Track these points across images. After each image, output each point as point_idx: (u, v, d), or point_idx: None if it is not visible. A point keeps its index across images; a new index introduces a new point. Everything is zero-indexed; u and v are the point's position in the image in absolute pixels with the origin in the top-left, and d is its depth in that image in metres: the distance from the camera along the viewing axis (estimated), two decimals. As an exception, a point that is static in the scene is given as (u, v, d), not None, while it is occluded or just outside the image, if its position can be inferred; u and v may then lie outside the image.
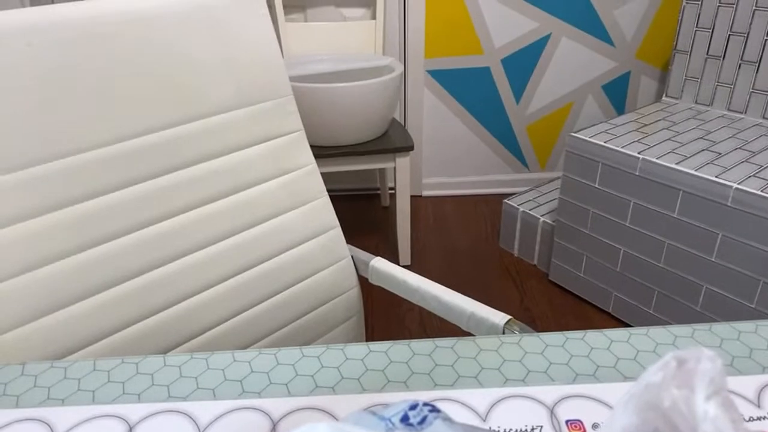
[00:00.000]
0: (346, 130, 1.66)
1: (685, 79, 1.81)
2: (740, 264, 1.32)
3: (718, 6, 1.69)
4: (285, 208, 0.82)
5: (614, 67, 2.21)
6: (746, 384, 0.47)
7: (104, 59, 0.66)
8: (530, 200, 1.95)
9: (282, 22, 1.89)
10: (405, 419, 0.28)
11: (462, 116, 2.26)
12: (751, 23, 1.63)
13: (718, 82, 1.74)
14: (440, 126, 2.28)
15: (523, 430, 0.44)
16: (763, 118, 1.66)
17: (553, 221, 1.79)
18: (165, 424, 0.46)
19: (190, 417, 0.46)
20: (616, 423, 0.24)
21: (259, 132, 0.79)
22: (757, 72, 1.65)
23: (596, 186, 1.56)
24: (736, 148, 1.48)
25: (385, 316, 1.69)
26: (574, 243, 1.70)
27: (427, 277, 0.79)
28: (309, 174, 0.84)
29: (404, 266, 0.99)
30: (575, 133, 1.59)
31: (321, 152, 1.65)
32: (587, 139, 1.55)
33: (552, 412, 0.45)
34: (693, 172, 1.35)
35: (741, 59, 1.67)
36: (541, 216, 1.85)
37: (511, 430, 0.44)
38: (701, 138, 1.56)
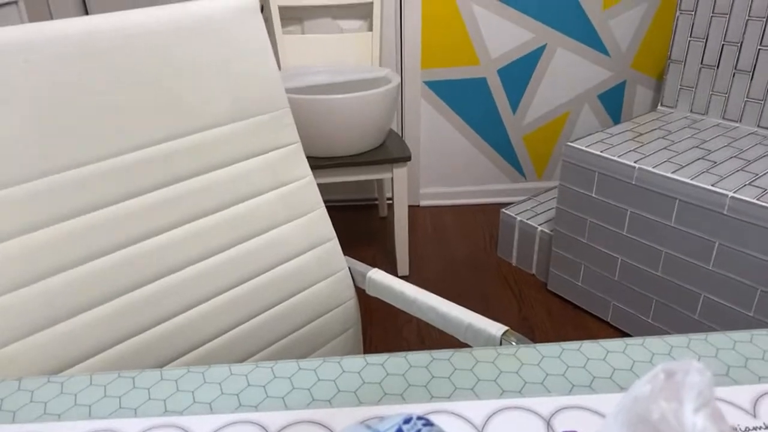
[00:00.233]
0: (343, 141, 1.67)
1: (680, 88, 1.82)
2: (738, 272, 1.32)
3: (712, 16, 1.70)
4: (282, 221, 0.82)
5: (610, 76, 2.22)
6: (742, 394, 0.47)
7: (101, 74, 0.67)
8: (528, 210, 1.95)
9: (279, 35, 1.91)
10: (399, 433, 0.28)
11: (459, 126, 2.27)
12: (744, 32, 1.64)
13: (712, 91, 1.75)
14: (437, 136, 2.28)
15: (520, 441, 0.44)
16: (758, 126, 1.67)
17: (551, 230, 1.79)
18: (161, 438, 0.46)
19: (187, 431, 0.46)
20: (607, 435, 0.24)
21: (255, 145, 0.79)
22: (751, 81, 1.66)
23: (593, 195, 1.57)
24: (731, 157, 1.49)
25: (383, 328, 1.69)
26: (571, 252, 1.70)
27: (426, 287, 0.79)
28: (306, 186, 0.84)
29: (402, 276, 0.99)
30: (572, 142, 1.59)
31: (319, 163, 1.65)
32: (584, 148, 1.56)
33: (548, 424, 0.45)
34: (689, 181, 1.36)
35: (735, 68, 1.69)
36: (539, 225, 1.85)
37: (507, 442, 0.44)
38: (697, 147, 1.56)
